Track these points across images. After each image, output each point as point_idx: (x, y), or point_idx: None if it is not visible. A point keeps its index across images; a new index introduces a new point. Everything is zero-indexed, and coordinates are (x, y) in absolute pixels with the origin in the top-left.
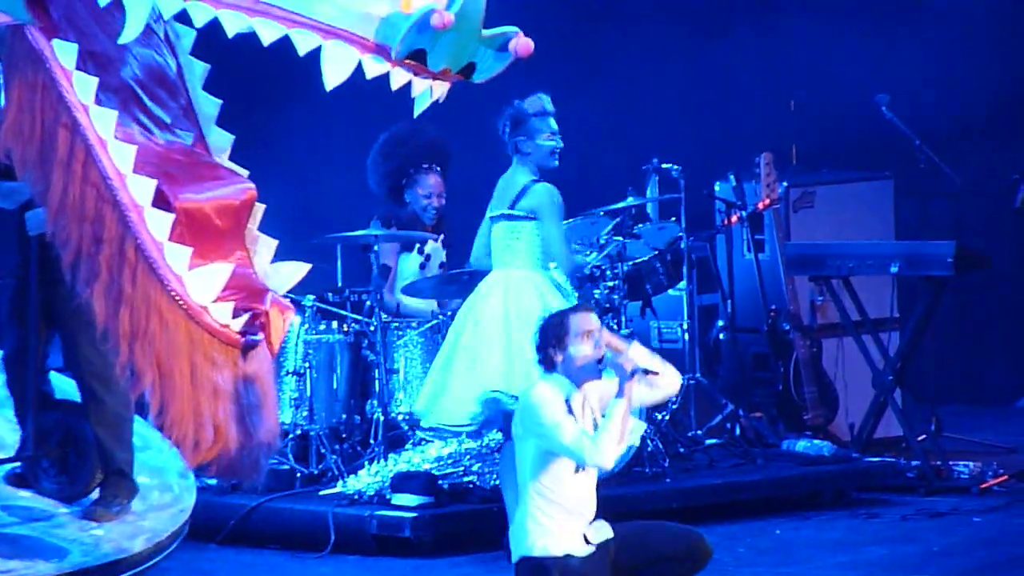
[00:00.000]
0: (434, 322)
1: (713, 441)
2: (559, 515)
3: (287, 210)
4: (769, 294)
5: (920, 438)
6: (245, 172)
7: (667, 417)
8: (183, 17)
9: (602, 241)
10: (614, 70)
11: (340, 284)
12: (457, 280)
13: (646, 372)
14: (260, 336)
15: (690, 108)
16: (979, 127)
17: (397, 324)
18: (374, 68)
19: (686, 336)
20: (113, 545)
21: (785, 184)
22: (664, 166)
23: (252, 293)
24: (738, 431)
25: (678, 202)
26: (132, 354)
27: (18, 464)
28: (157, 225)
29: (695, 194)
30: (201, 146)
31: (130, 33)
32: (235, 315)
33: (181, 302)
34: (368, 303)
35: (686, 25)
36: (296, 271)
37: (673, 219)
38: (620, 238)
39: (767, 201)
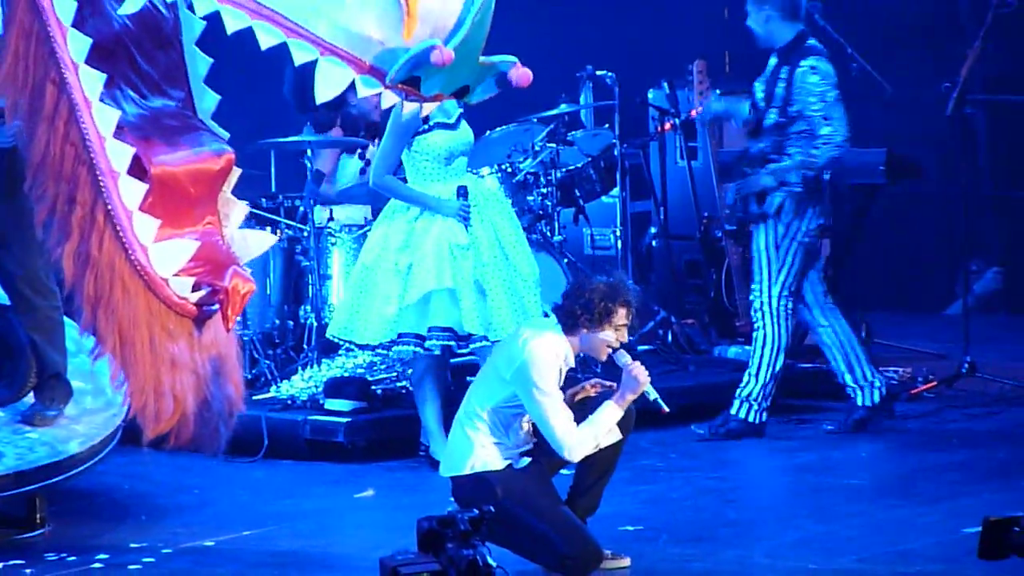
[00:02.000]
0: (368, 228)
1: (645, 347)
2: (502, 447)
3: (221, 115)
4: (702, 201)
5: None
6: (226, 135)
7: None
8: None
9: (536, 148)
10: None
11: (274, 190)
12: None
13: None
14: (215, 308)
15: (624, 15)
16: (911, 35)
17: (331, 229)
18: (366, 89)
19: (619, 243)
20: (47, 449)
21: (718, 91)
22: (598, 73)
23: (215, 266)
24: (670, 337)
25: (612, 109)
26: (95, 319)
27: None
28: (129, 193)
29: (629, 101)
30: (189, 105)
31: (129, 7)
32: (195, 288)
33: (142, 272)
34: (302, 209)
35: None
36: (263, 241)
37: (607, 126)
38: (554, 145)
39: (700, 108)
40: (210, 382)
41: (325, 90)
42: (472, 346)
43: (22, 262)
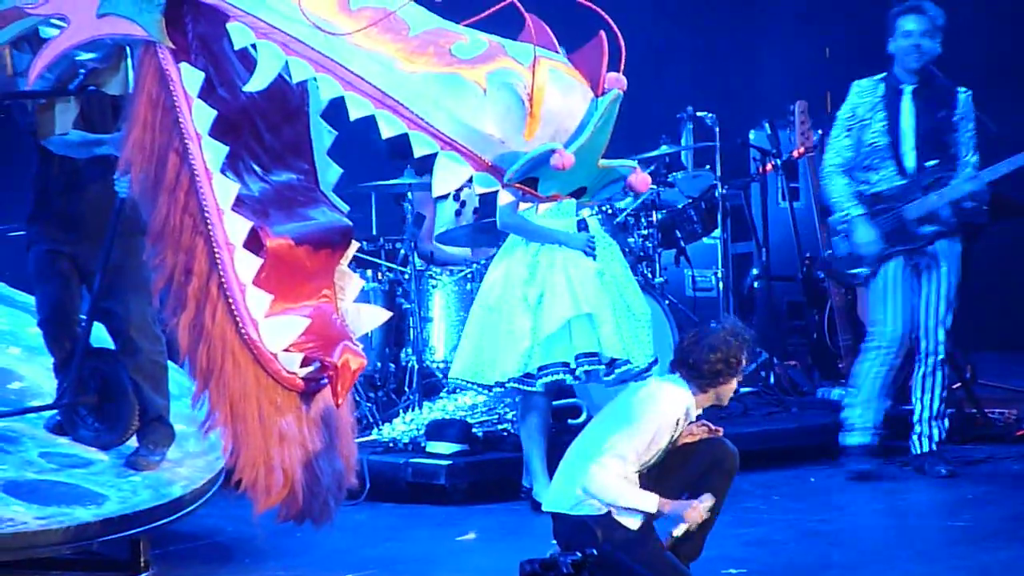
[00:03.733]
0: (468, 270)
1: (748, 389)
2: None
3: None
4: (804, 242)
5: (955, 386)
6: (346, 208)
7: None
8: None
9: None
10: (648, 17)
11: (375, 232)
12: (492, 228)
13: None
14: (325, 382)
15: (725, 56)
16: (1014, 73)
17: (432, 272)
18: (482, 187)
19: (720, 285)
20: (151, 492)
21: (820, 132)
22: (699, 114)
23: (326, 341)
24: (772, 379)
25: (713, 150)
26: (207, 391)
27: (56, 412)
28: (244, 267)
29: (730, 142)
30: (311, 177)
31: (256, 85)
32: (304, 363)
33: (252, 346)
34: (402, 251)
35: None
36: (376, 316)
37: (708, 167)
38: (655, 186)
39: (802, 149)
40: (319, 456)
41: (442, 185)
42: (617, 371)
43: (129, 305)
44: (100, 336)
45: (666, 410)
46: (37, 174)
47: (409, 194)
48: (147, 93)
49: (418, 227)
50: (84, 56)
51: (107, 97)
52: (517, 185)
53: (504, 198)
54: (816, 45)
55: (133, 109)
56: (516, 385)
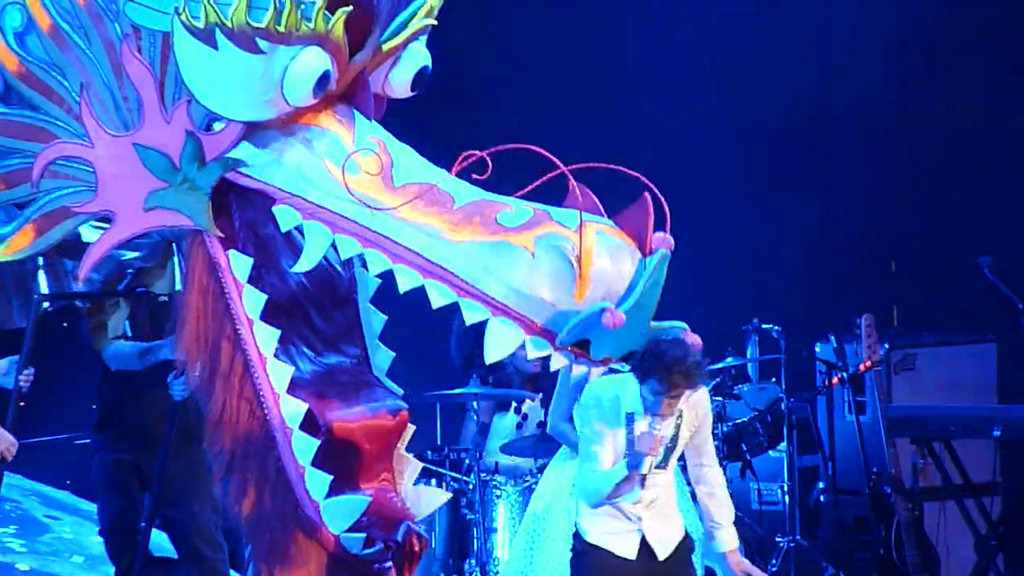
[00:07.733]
0: (532, 481)
1: None
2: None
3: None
4: (870, 456)
5: None
6: (400, 391)
7: None
8: None
9: None
10: (713, 229)
11: (439, 442)
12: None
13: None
14: (389, 565)
15: (790, 268)
16: None
17: (496, 482)
18: (535, 351)
19: (786, 498)
20: None
21: (886, 346)
22: (764, 326)
23: (388, 522)
24: None
25: (778, 363)
26: (271, 574)
27: None
28: (302, 449)
29: (796, 355)
30: (364, 362)
31: (304, 265)
32: (367, 545)
33: (313, 528)
34: (467, 461)
35: (782, 182)
36: (437, 497)
37: (773, 380)
38: (720, 398)
39: (868, 363)
40: None
41: (495, 351)
42: None
43: (193, 513)
44: (160, 543)
45: (594, 398)
46: (101, 383)
47: (475, 403)
48: (198, 282)
49: (483, 436)
50: (129, 255)
51: (154, 298)
52: (569, 348)
53: (557, 362)
54: (881, 258)
55: (186, 299)
56: None
